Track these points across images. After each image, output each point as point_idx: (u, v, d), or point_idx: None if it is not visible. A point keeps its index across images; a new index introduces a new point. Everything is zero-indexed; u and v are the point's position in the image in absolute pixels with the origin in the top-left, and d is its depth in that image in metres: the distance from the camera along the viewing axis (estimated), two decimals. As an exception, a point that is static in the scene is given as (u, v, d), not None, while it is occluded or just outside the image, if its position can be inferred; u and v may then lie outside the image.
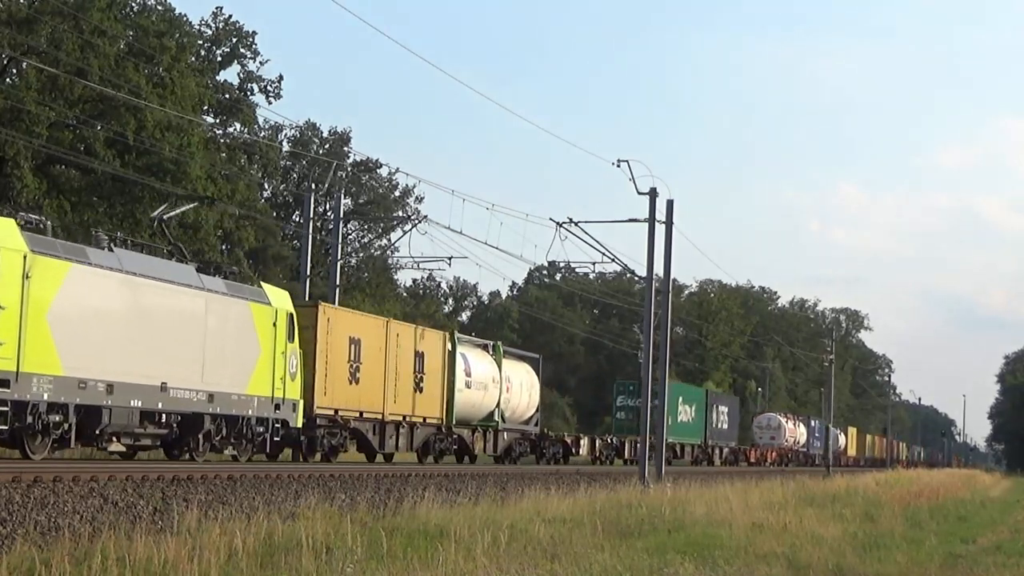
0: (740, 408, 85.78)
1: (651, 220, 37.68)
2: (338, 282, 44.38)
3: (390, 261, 72.39)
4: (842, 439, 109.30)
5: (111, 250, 24.28)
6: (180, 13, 52.54)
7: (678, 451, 62.88)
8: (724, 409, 74.11)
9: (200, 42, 56.37)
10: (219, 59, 58.28)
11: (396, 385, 35.68)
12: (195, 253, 50.16)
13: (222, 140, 56.86)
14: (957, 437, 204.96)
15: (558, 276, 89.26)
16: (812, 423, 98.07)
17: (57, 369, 22.04)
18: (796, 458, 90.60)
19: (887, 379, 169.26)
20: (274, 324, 28.74)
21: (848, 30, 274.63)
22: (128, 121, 44.57)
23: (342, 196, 51.60)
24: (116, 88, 42.70)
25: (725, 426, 73.77)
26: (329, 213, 57.18)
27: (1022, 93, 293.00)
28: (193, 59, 53.66)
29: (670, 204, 38.43)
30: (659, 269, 38.65)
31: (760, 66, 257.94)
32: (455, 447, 40.59)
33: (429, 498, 21.30)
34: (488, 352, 43.76)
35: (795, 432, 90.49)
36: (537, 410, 47.15)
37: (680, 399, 63.54)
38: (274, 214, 67.60)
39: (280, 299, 29.83)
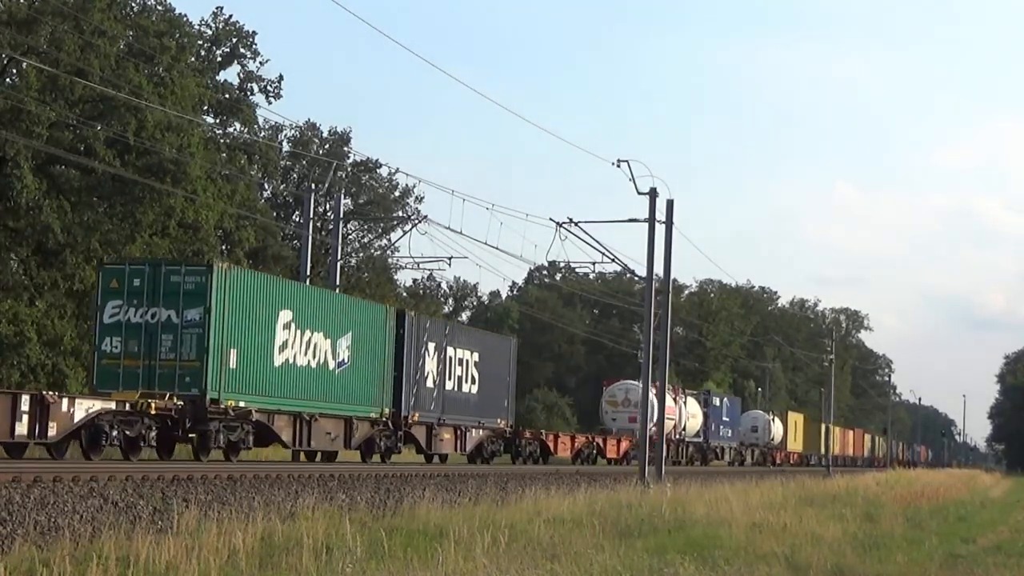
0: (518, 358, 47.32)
1: (651, 220, 37.70)
2: (338, 282, 44.35)
3: (390, 261, 72.37)
4: (776, 428, 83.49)
5: None
6: (180, 13, 52.48)
7: (296, 434, 31.06)
8: (467, 356, 40.05)
9: (200, 42, 56.30)
10: (219, 59, 58.20)
11: None
12: (195, 253, 50.30)
13: (222, 140, 56.79)
14: (957, 437, 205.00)
15: (558, 276, 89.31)
16: (717, 401, 70.88)
17: None
18: (683, 453, 63.08)
19: (887, 379, 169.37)
20: None
21: (846, 31, 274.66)
22: (128, 121, 44.53)
23: (342, 196, 51.59)
24: (116, 88, 42.68)
25: (470, 389, 40.39)
26: (329, 213, 57.15)
27: (1020, 93, 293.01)
28: (193, 59, 53.60)
29: (670, 204, 38.47)
30: (659, 269, 38.67)
31: (759, 66, 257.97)
32: None
33: (429, 498, 21.32)
34: None
35: (676, 413, 60.42)
36: None
37: (286, 316, 30.49)
38: (274, 214, 67.52)
39: None
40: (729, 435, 73.41)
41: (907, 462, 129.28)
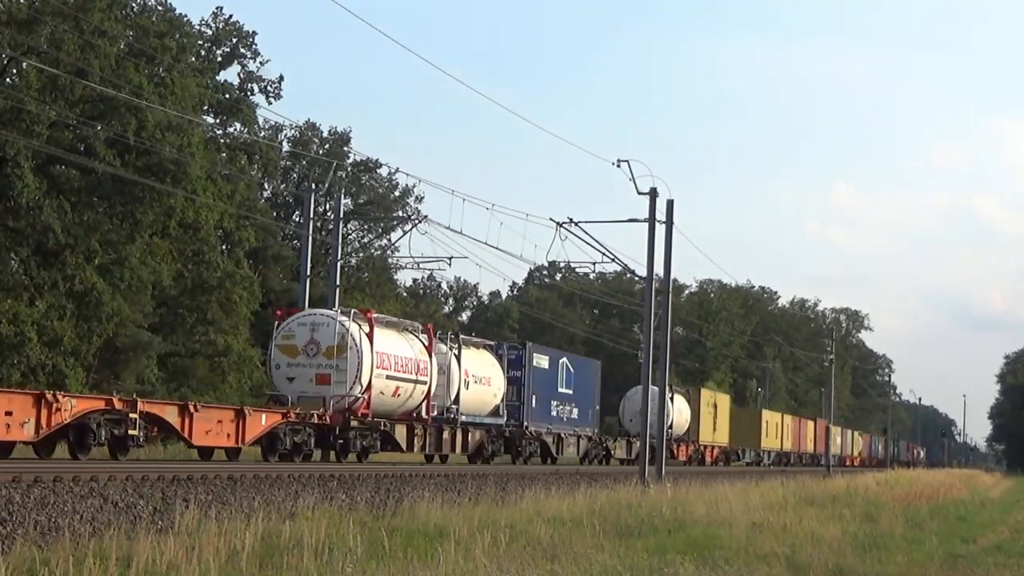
0: None
1: (651, 220, 37.69)
2: (338, 282, 44.31)
3: (390, 261, 72.38)
4: (680, 412, 60.79)
5: None
6: (180, 13, 52.59)
7: None
8: None
9: (200, 42, 56.36)
10: (219, 59, 58.27)
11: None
12: (195, 253, 50.33)
13: (222, 140, 56.83)
14: (957, 437, 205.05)
15: (558, 276, 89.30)
16: (543, 362, 46.12)
17: None
18: (454, 440, 38.80)
19: (887, 379, 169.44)
20: None
21: (845, 30, 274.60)
22: (128, 121, 44.56)
23: (342, 196, 51.56)
24: (116, 88, 42.70)
25: None
26: (329, 213, 57.12)
27: (1019, 93, 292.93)
28: (193, 59, 53.65)
29: (670, 204, 38.47)
30: (659, 269, 38.66)
31: (758, 66, 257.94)
32: None
33: (429, 498, 21.32)
34: None
35: (430, 371, 36.95)
36: None
37: None
38: (274, 214, 67.56)
39: None
40: (575, 416, 48.41)
41: (895, 462, 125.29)
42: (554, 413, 46.86)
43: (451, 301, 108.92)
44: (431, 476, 27.22)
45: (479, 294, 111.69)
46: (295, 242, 63.15)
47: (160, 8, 51.59)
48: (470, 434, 40.17)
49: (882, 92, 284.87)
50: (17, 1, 44.30)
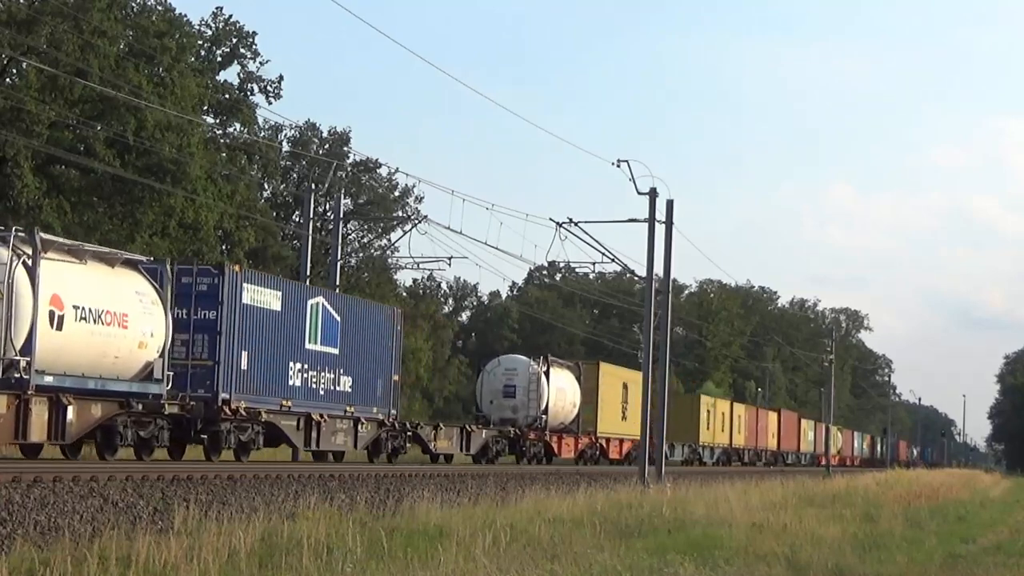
0: None
1: (651, 220, 37.70)
2: (338, 282, 44.32)
3: (390, 261, 72.40)
4: (561, 392, 46.92)
5: None
6: (180, 13, 52.65)
7: None
8: None
9: (200, 42, 56.40)
10: (219, 59, 58.30)
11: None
12: (195, 253, 50.38)
13: (222, 140, 56.86)
14: (957, 437, 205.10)
15: (558, 276, 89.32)
16: (270, 298, 29.60)
17: None
18: (23, 426, 22.25)
19: (887, 379, 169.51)
20: None
21: (844, 30, 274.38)
22: (128, 121, 44.59)
23: (342, 196, 51.60)
24: (116, 88, 42.73)
25: None
26: (329, 213, 57.17)
27: (1018, 92, 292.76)
28: (193, 59, 53.69)
29: (670, 204, 38.47)
30: (659, 269, 38.66)
31: (757, 66, 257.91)
32: None
33: (428, 498, 21.32)
34: None
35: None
36: None
37: None
38: (274, 214, 67.57)
39: None
40: (346, 389, 33.35)
41: (894, 462, 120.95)
42: (296, 382, 31.14)
43: (451, 301, 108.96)
44: (431, 476, 27.26)
45: (479, 294, 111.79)
46: (295, 242, 63.16)
47: (160, 8, 51.64)
48: (71, 409, 23.66)
49: (882, 92, 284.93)
50: (17, 1, 44.33)
